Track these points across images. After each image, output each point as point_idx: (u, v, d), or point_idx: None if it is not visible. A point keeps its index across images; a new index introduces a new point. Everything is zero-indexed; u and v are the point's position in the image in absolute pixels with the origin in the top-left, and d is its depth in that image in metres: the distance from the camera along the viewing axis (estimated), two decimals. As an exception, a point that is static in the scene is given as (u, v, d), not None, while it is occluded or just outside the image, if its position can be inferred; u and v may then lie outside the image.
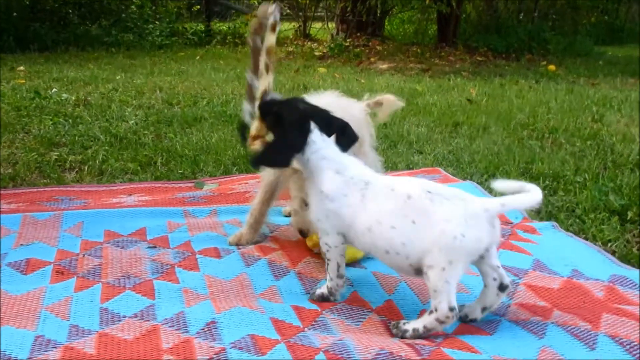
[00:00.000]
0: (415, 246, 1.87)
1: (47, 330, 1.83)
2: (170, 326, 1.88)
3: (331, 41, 11.30)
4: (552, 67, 8.94)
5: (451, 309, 1.85)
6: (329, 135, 2.06)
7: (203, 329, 1.86)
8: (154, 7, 13.10)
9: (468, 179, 3.47)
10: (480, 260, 1.91)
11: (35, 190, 3.13)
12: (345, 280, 2.12)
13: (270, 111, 2.09)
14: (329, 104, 2.25)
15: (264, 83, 2.35)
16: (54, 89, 5.91)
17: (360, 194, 1.97)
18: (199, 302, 2.03)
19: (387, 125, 4.78)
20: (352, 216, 1.97)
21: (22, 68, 7.51)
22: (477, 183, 3.38)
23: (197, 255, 2.41)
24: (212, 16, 14.34)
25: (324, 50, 10.83)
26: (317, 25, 13.62)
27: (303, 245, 2.56)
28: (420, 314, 2.00)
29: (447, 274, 1.83)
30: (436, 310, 1.86)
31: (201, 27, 13.23)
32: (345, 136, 2.09)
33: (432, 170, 3.62)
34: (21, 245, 2.42)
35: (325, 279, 2.12)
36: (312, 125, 2.03)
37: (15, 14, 10.28)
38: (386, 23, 13.52)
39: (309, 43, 12.12)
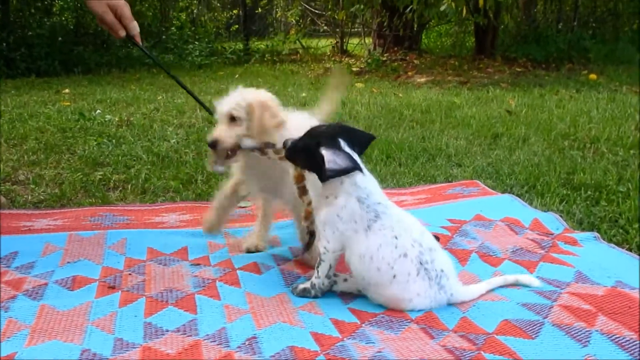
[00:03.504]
0: (384, 293, 2.13)
1: (93, 343, 1.87)
2: (212, 341, 1.91)
3: (368, 56, 11.36)
4: (593, 76, 8.83)
5: None
6: (360, 152, 2.18)
7: (244, 343, 1.89)
8: (193, 28, 13.37)
9: (507, 191, 3.44)
10: None
11: (80, 209, 3.21)
12: (331, 282, 2.25)
13: (301, 147, 2.18)
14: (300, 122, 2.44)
15: None
16: (98, 110, 6.06)
17: (367, 224, 2.13)
18: (240, 317, 2.06)
19: (426, 139, 4.78)
20: (355, 240, 2.14)
21: (67, 90, 7.73)
22: (517, 195, 3.35)
23: (238, 271, 2.44)
24: (250, 35, 14.56)
25: (362, 66, 10.88)
26: (355, 40, 13.71)
27: (343, 262, 2.56)
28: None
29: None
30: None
31: (240, 46, 13.46)
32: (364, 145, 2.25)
33: (470, 183, 3.60)
34: (68, 262, 2.49)
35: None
36: (342, 143, 2.12)
37: (60, 38, 10.60)
38: (423, 36, 13.56)
39: (346, 59, 12.21)
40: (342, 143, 2.12)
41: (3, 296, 2.18)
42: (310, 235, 2.37)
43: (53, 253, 2.57)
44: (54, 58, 9.95)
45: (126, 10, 2.66)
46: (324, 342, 1.90)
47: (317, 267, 2.22)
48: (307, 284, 2.24)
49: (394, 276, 2.09)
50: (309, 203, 2.34)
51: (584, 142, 4.64)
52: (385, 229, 2.12)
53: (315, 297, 2.22)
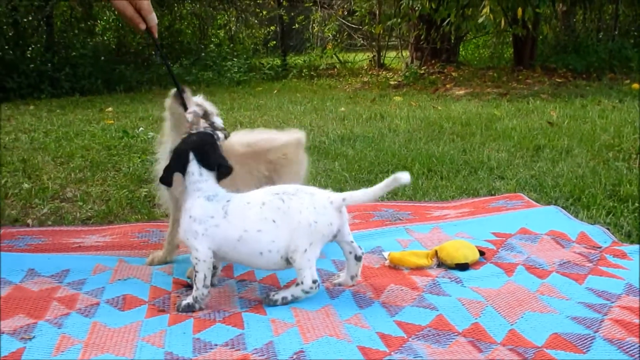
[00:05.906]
0: (281, 240, 2.23)
1: (144, 357, 1.92)
2: (260, 355, 1.93)
3: (406, 69, 11.35)
4: (636, 86, 8.66)
5: (314, 282, 2.27)
6: (210, 169, 2.32)
7: (292, 357, 1.90)
8: (231, 45, 13.53)
9: (552, 204, 3.40)
10: (336, 239, 2.33)
11: (127, 225, 3.27)
12: (210, 291, 2.32)
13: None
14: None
15: None
16: (141, 128, 6.17)
17: (223, 211, 2.26)
18: (287, 330, 2.08)
19: (467, 152, 4.76)
20: (221, 233, 2.26)
21: (110, 109, 7.89)
22: (562, 208, 3.30)
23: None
24: (287, 50, 14.67)
25: (399, 79, 10.88)
26: (392, 54, 13.72)
27: (387, 274, 2.57)
28: (289, 284, 2.41)
29: (308, 254, 2.24)
30: (302, 283, 2.27)
31: (277, 61, 13.57)
32: (221, 170, 2.35)
33: (514, 196, 3.57)
34: (117, 280, 2.54)
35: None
36: (191, 156, 2.30)
37: (102, 58, 10.83)
38: (461, 49, 13.49)
39: (384, 72, 12.22)
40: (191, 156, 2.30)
41: (57, 313, 2.23)
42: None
43: (102, 272, 2.62)
44: (97, 77, 10.16)
45: (145, 3, 2.69)
46: (371, 357, 1.90)
47: (194, 279, 2.29)
48: (190, 299, 2.29)
49: (274, 221, 2.23)
50: None
51: (629, 153, 4.56)
52: (237, 205, 2.28)
53: (200, 309, 2.27)
